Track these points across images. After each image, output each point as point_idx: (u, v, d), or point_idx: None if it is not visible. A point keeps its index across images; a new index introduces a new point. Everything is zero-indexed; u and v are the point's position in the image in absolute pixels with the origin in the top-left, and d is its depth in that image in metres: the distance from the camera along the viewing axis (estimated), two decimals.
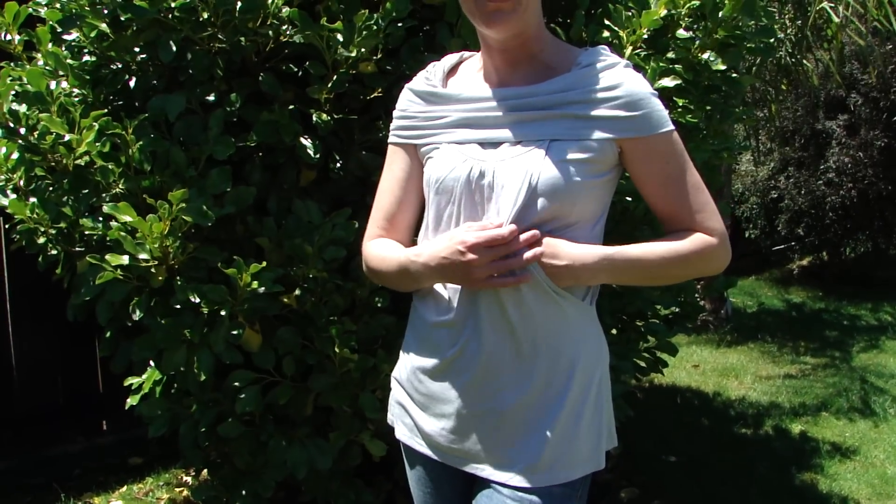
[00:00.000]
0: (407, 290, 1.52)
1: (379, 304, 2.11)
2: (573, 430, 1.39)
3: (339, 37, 1.96)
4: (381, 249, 1.51)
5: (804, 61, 5.75)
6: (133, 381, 2.29)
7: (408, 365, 1.52)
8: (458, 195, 1.38)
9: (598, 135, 1.33)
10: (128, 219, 1.84)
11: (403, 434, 1.56)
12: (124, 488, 3.44)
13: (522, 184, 1.32)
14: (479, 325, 1.37)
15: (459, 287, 1.39)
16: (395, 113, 1.54)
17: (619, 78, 1.34)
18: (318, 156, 2.07)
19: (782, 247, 8.66)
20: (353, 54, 1.98)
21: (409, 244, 1.52)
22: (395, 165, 1.54)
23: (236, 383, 2.08)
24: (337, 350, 2.02)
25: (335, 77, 2.02)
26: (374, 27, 1.95)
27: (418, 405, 1.50)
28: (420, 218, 1.53)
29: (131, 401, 2.28)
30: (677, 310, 2.72)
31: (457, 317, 1.40)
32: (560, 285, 1.35)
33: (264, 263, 1.89)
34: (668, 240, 1.38)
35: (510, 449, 1.39)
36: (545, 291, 1.35)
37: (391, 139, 1.55)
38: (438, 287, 1.44)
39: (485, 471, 1.42)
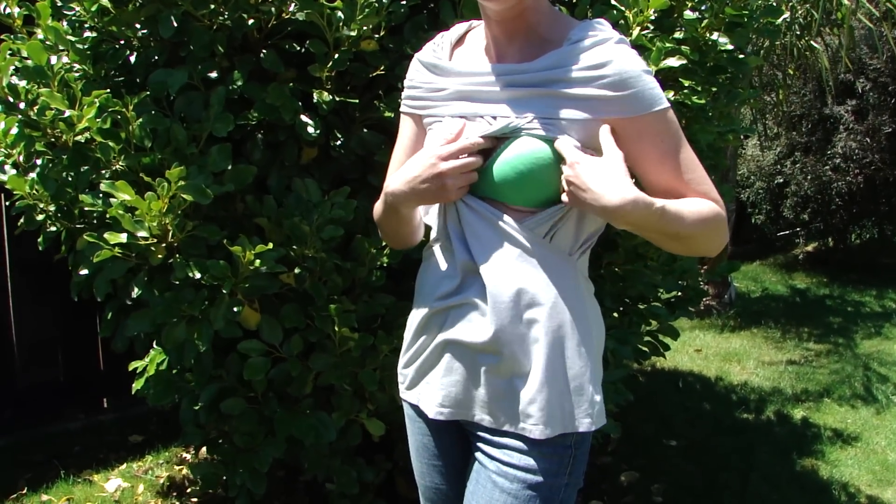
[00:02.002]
0: (401, 234, 1.57)
1: (376, 277, 2.11)
2: (549, 386, 1.37)
3: (340, 14, 1.94)
4: (380, 203, 1.57)
5: (812, 43, 5.69)
6: (137, 364, 2.29)
7: (412, 324, 1.54)
8: None
9: (581, 115, 1.32)
10: (126, 197, 1.83)
11: (406, 394, 1.59)
12: (124, 466, 3.45)
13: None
14: (466, 274, 1.41)
15: (454, 240, 1.42)
16: (405, 82, 1.56)
17: (608, 55, 1.31)
18: (318, 132, 2.05)
19: (787, 232, 8.62)
20: (354, 33, 1.96)
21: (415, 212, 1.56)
22: (403, 134, 1.58)
23: (245, 352, 2.07)
24: (336, 329, 2.01)
25: (336, 55, 2.00)
26: (376, 4, 1.93)
27: (417, 364, 1.53)
28: None
29: (136, 385, 2.27)
30: (679, 294, 2.71)
31: (449, 270, 1.44)
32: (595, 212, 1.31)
33: (270, 245, 1.88)
34: (689, 201, 1.34)
35: (491, 401, 1.41)
36: (520, 242, 1.36)
37: (401, 108, 1.57)
38: (438, 249, 1.48)
39: (475, 416, 1.45)
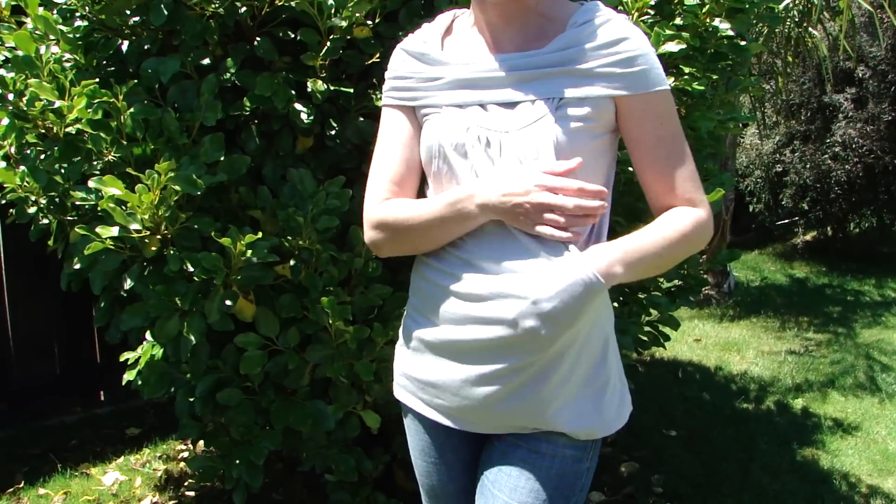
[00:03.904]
0: (433, 245, 1.41)
1: (372, 268, 2.08)
2: (597, 389, 1.37)
3: (332, 2, 1.91)
4: (405, 205, 1.42)
5: (811, 30, 5.66)
6: (129, 355, 2.26)
7: (418, 325, 1.46)
8: (469, 166, 1.34)
9: (596, 91, 1.31)
10: (115, 191, 1.80)
11: (410, 400, 1.51)
12: (121, 459, 3.43)
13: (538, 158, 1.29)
14: (482, 286, 1.33)
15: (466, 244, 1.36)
16: (388, 74, 1.49)
17: (619, 33, 1.31)
18: (311, 118, 2.03)
19: (786, 221, 8.60)
20: (344, 24, 1.92)
21: None
22: (393, 128, 1.47)
23: (242, 345, 2.04)
24: (331, 322, 1.98)
25: (328, 44, 1.97)
26: None
27: (426, 377, 1.44)
28: (421, 182, 1.49)
29: (128, 376, 2.25)
30: (680, 282, 2.68)
31: (465, 283, 1.35)
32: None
33: (260, 234, 1.86)
34: (670, 222, 1.34)
35: (518, 417, 1.36)
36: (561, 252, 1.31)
37: (385, 101, 1.49)
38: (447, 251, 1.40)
39: (497, 432, 1.40)
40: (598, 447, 1.44)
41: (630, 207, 2.29)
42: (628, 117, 1.34)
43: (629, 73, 1.30)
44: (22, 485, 3.19)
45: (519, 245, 1.32)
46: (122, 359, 2.26)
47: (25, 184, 2.09)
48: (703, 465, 3.48)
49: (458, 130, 1.35)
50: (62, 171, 2.07)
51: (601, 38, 1.31)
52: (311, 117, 2.03)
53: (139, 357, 2.22)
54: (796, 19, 5.61)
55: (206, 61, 2.06)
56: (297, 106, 2.03)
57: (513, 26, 1.37)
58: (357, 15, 1.93)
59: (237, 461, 2.17)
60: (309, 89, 2.00)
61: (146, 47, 2.11)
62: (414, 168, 1.45)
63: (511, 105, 1.33)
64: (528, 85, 1.33)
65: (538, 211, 1.26)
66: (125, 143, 1.98)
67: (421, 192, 1.48)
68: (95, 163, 2.02)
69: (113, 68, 2.18)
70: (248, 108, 2.04)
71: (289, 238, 1.96)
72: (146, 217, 1.84)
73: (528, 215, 1.27)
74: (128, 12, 2.07)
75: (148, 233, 1.88)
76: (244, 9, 2.02)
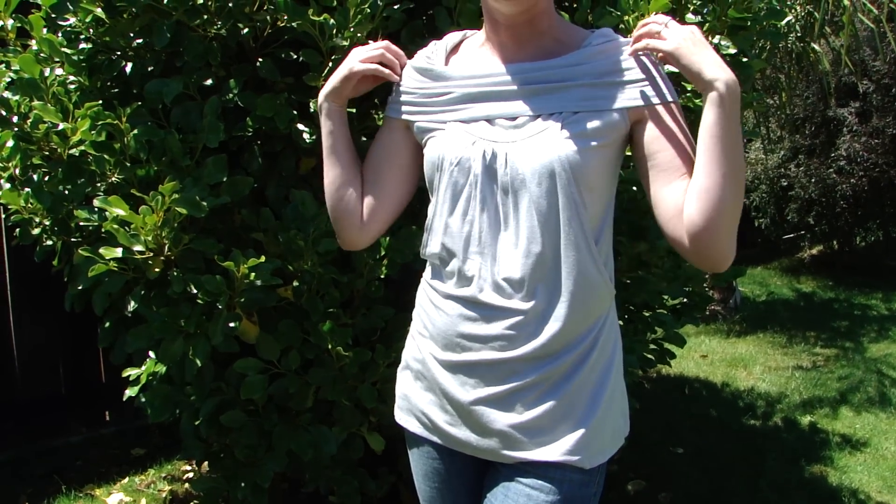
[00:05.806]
0: (334, 177, 1.53)
1: (374, 290, 2.07)
2: (601, 411, 1.36)
3: (333, 22, 1.92)
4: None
5: (814, 45, 5.66)
6: (131, 372, 2.26)
7: (421, 351, 1.46)
8: (472, 180, 1.33)
9: (611, 104, 1.30)
10: (119, 212, 1.80)
11: (414, 426, 1.51)
12: (126, 479, 3.42)
13: (542, 178, 1.27)
14: (501, 291, 1.33)
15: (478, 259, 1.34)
16: (394, 87, 1.51)
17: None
18: (313, 139, 2.03)
19: (792, 235, 8.59)
20: (346, 43, 1.93)
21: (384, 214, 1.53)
22: (381, 134, 1.53)
23: (242, 371, 2.03)
24: (330, 347, 1.98)
25: (330, 64, 1.97)
26: (368, 11, 1.90)
27: (434, 392, 1.44)
28: (398, 192, 1.52)
29: (130, 392, 2.25)
30: (685, 300, 2.68)
31: (474, 289, 1.35)
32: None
33: (262, 258, 1.85)
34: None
35: (528, 443, 1.35)
36: (583, 259, 1.30)
37: (388, 112, 1.52)
38: (457, 261, 1.38)
39: (501, 455, 1.37)
40: (604, 469, 1.43)
41: (633, 225, 2.29)
42: (648, 128, 1.32)
43: (648, 86, 1.31)
44: None
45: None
46: (124, 374, 2.26)
47: (30, 205, 2.10)
48: (710, 482, 3.46)
49: (464, 145, 1.34)
50: (66, 192, 2.07)
51: (617, 57, 1.31)
52: (314, 137, 2.03)
53: (140, 374, 2.22)
54: (799, 34, 5.61)
55: (209, 82, 2.07)
56: (300, 126, 2.03)
57: (525, 48, 1.36)
58: (359, 35, 1.93)
59: (242, 483, 2.16)
60: (311, 109, 2.01)
61: (149, 69, 2.12)
62: (375, 182, 1.52)
63: (518, 118, 1.32)
64: (538, 98, 1.32)
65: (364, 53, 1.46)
66: (129, 164, 1.98)
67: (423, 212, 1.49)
68: (99, 184, 2.03)
69: (116, 90, 2.18)
70: (250, 129, 2.04)
71: (291, 261, 1.96)
72: (150, 239, 1.84)
73: (349, 64, 1.47)
74: (131, 34, 2.08)
75: (151, 254, 1.88)
76: (246, 30, 2.02)
